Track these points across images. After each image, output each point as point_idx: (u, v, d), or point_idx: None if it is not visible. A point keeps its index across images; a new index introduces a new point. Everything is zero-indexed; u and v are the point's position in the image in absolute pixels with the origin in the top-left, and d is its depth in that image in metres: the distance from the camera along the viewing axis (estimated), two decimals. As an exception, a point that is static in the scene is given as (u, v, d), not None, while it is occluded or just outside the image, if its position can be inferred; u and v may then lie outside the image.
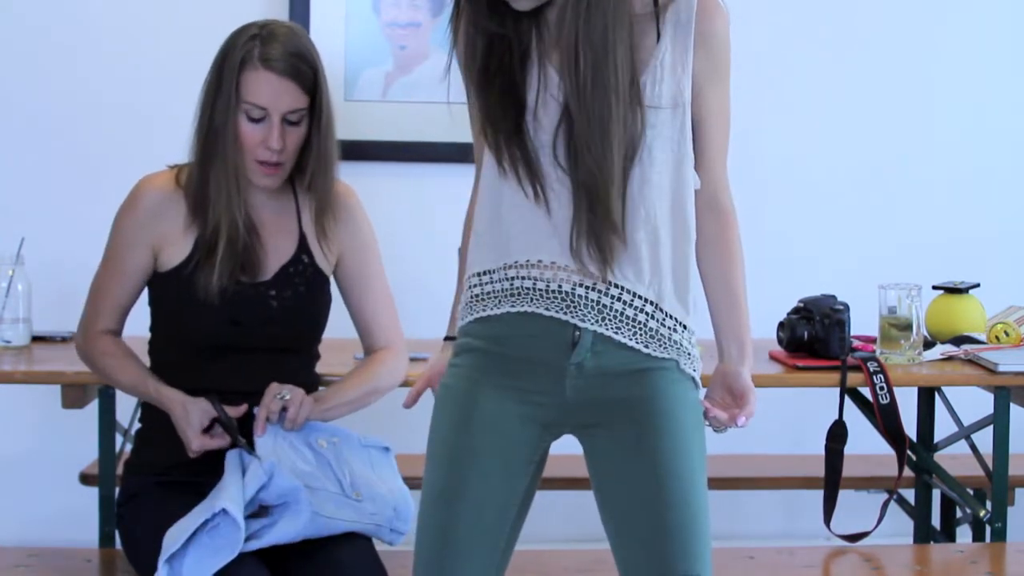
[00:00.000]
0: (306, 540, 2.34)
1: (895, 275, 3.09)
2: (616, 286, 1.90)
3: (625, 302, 1.90)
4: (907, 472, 3.14)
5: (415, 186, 3.76)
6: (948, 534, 3.43)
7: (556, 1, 1.86)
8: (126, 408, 2.98)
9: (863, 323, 3.06)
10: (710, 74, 1.93)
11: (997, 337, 3.04)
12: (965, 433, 3.12)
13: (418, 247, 3.64)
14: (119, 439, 2.97)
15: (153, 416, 2.54)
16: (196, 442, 2.41)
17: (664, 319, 1.92)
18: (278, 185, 2.53)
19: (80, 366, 2.64)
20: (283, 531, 2.31)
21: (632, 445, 1.91)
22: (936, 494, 3.37)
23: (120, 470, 2.84)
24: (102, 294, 2.56)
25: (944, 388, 3.23)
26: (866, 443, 3.17)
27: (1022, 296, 3.31)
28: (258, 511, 2.34)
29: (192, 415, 2.42)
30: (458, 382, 1.96)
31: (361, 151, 3.62)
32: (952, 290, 3.17)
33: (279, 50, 2.43)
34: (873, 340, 3.02)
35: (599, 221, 1.85)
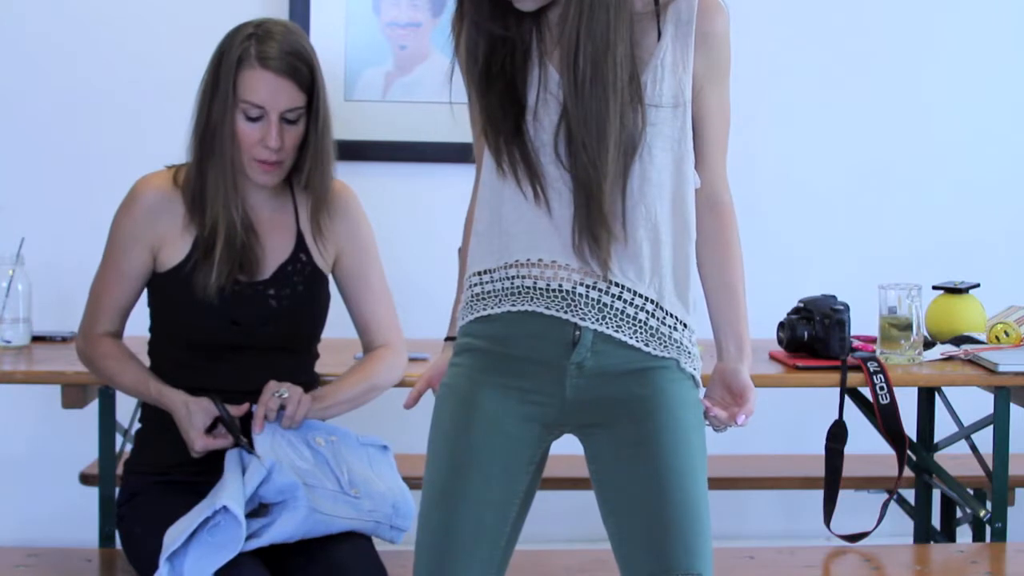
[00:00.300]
0: (306, 540, 2.34)
1: (895, 275, 3.09)
2: (617, 285, 1.89)
3: (626, 301, 1.90)
4: (907, 472, 3.14)
5: (415, 186, 3.75)
6: (948, 534, 3.43)
7: (559, 0, 1.86)
8: (126, 408, 2.98)
9: (863, 323, 3.07)
10: (710, 73, 1.93)
11: (997, 337, 3.04)
12: (965, 433, 3.12)
13: (418, 247, 3.64)
14: (119, 439, 2.97)
15: (153, 416, 2.54)
16: (199, 442, 2.41)
17: (664, 318, 1.92)
18: (277, 182, 2.52)
19: (80, 366, 2.64)
20: (281, 528, 2.30)
21: (632, 444, 1.91)
22: (936, 494, 3.36)
23: (120, 470, 2.84)
24: (102, 296, 2.56)
25: (944, 388, 3.23)
26: (866, 443, 3.17)
27: (1022, 296, 3.30)
28: (257, 510, 2.34)
29: (195, 415, 2.42)
30: (459, 382, 1.96)
31: (361, 151, 3.63)
32: (952, 290, 3.17)
33: (276, 49, 2.42)
34: (873, 340, 3.02)
35: (592, 216, 1.85)
